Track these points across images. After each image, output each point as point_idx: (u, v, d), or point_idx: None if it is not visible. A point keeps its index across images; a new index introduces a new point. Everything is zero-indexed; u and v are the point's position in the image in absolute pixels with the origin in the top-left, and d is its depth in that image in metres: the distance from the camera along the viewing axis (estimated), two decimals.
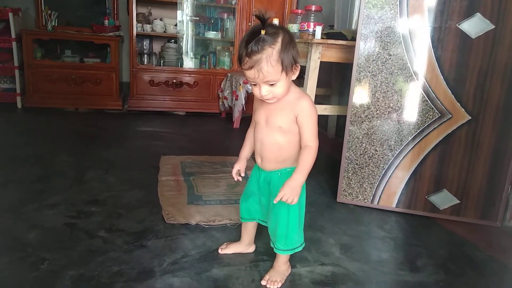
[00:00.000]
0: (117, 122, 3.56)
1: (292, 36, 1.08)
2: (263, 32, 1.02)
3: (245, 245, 1.41)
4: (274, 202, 1.15)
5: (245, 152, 1.33)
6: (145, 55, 4.13)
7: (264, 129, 1.20)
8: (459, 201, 1.81)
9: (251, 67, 1.04)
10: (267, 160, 1.22)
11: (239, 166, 1.31)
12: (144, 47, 4.19)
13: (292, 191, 1.12)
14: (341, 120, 3.26)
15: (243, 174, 1.31)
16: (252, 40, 1.02)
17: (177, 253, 1.37)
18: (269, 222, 1.27)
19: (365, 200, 1.92)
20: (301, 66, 2.51)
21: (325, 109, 2.32)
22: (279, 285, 1.22)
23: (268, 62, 1.02)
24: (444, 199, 1.83)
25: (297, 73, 1.11)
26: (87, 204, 1.73)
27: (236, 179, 1.30)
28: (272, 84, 1.08)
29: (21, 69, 3.70)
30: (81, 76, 3.82)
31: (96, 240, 1.43)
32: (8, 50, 3.65)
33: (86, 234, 1.47)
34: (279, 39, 1.04)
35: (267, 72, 1.03)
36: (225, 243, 1.43)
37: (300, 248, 1.26)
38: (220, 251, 1.39)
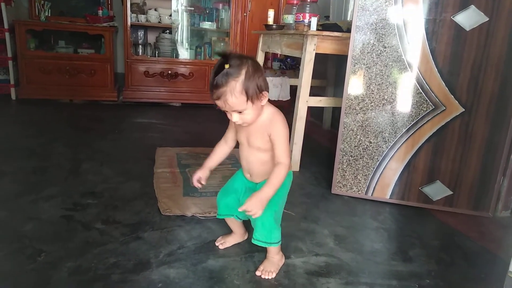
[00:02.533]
0: (112, 113, 3.54)
1: (257, 66, 1.12)
2: (226, 66, 1.08)
3: (240, 235, 1.43)
4: (239, 210, 1.16)
5: (210, 163, 1.34)
6: (140, 46, 4.10)
7: (247, 149, 1.26)
8: (452, 192, 1.84)
9: (218, 98, 1.10)
10: (255, 175, 1.30)
11: (201, 174, 1.33)
12: (139, 38, 4.16)
13: (258, 203, 1.15)
14: (336, 112, 3.27)
15: (203, 183, 1.33)
16: (218, 74, 1.08)
17: (173, 245, 1.39)
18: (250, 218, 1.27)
19: (360, 192, 1.94)
20: (296, 57, 2.51)
21: (320, 101, 2.33)
22: (273, 275, 1.24)
23: (232, 94, 1.08)
24: (437, 190, 1.85)
25: (265, 99, 1.15)
26: (83, 196, 1.74)
27: (195, 186, 1.32)
28: (240, 112, 1.13)
29: (14, 60, 3.67)
30: (75, 67, 3.79)
31: (92, 232, 1.44)
32: (1, 40, 3.61)
33: (83, 226, 1.48)
34: (243, 71, 1.09)
35: (232, 103, 1.09)
36: (221, 237, 1.44)
37: (277, 245, 1.27)
38: (221, 247, 1.40)
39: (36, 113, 3.33)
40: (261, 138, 1.21)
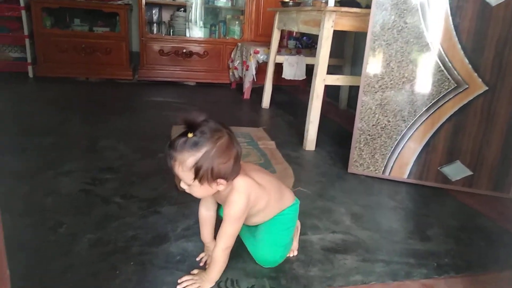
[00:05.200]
0: (127, 92, 3.56)
1: (224, 150, 0.95)
2: (190, 135, 0.93)
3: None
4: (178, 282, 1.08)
5: (208, 236, 1.19)
6: (155, 24, 4.07)
7: None
8: (472, 173, 1.80)
9: (170, 158, 0.96)
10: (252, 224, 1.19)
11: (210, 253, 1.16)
12: (153, 16, 4.13)
13: (199, 283, 1.07)
14: (353, 91, 3.22)
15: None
16: (180, 138, 0.94)
17: (190, 219, 1.40)
18: (249, 246, 1.21)
19: (377, 171, 1.92)
20: (312, 36, 2.42)
21: (338, 79, 2.29)
22: (295, 253, 1.25)
23: (180, 165, 0.94)
24: (456, 171, 1.82)
25: (220, 186, 0.99)
26: (101, 171, 1.76)
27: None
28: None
29: (31, 38, 3.69)
30: (91, 46, 3.80)
31: (111, 206, 1.46)
32: (18, 18, 3.62)
33: (102, 200, 1.50)
34: (203, 150, 0.92)
35: (178, 173, 0.96)
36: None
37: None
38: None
39: (53, 91, 3.37)
40: None
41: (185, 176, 0.96)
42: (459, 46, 1.69)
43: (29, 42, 3.66)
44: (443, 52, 1.72)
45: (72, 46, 3.75)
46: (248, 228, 1.19)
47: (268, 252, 1.15)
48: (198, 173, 0.94)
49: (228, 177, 0.98)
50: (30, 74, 3.75)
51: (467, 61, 1.70)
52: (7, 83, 3.44)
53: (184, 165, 0.94)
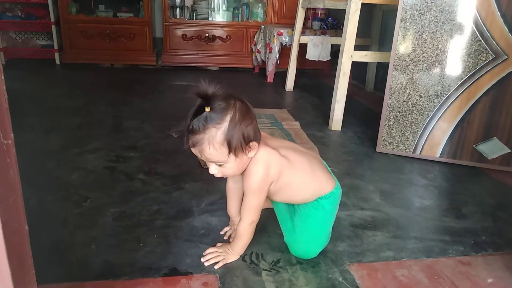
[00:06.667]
0: (151, 76, 3.56)
1: (245, 110, 0.91)
2: (207, 109, 0.87)
3: None
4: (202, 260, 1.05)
5: (235, 209, 1.16)
6: (177, 9, 4.04)
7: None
8: (510, 150, 1.70)
9: (193, 146, 0.90)
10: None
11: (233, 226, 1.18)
12: (176, 0, 4.11)
13: (221, 254, 1.05)
14: (380, 72, 3.11)
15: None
16: (196, 117, 0.88)
17: (214, 195, 1.37)
18: (285, 233, 1.13)
19: (407, 150, 1.84)
20: (338, 17, 2.34)
21: (365, 56, 2.20)
22: None
23: (210, 144, 0.88)
24: (493, 148, 1.72)
25: (253, 150, 0.94)
26: (125, 149, 1.76)
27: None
28: (220, 164, 0.94)
29: (57, 25, 3.73)
30: (115, 31, 3.81)
31: (135, 182, 1.45)
32: (44, 6, 3.68)
33: (126, 176, 1.50)
34: (227, 117, 0.88)
35: (210, 154, 0.90)
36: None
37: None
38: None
39: (79, 76, 3.40)
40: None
41: (218, 155, 0.90)
42: (499, 14, 1.58)
43: (55, 29, 3.71)
44: (480, 21, 1.61)
45: (97, 32, 3.78)
46: (287, 209, 1.12)
47: (302, 247, 1.07)
48: (231, 143, 0.88)
49: (257, 137, 0.94)
50: (57, 61, 3.81)
51: (507, 29, 1.59)
52: (35, 70, 3.50)
53: (215, 141, 0.88)
